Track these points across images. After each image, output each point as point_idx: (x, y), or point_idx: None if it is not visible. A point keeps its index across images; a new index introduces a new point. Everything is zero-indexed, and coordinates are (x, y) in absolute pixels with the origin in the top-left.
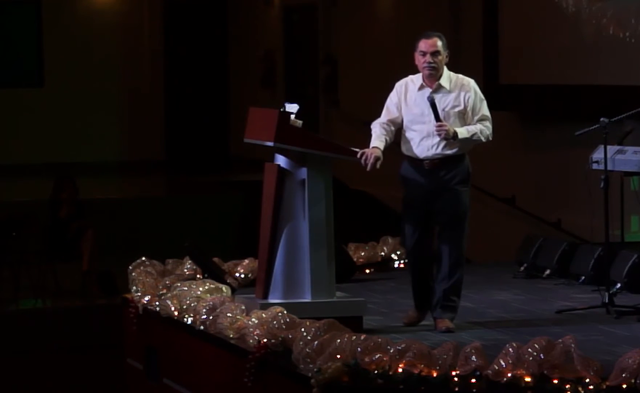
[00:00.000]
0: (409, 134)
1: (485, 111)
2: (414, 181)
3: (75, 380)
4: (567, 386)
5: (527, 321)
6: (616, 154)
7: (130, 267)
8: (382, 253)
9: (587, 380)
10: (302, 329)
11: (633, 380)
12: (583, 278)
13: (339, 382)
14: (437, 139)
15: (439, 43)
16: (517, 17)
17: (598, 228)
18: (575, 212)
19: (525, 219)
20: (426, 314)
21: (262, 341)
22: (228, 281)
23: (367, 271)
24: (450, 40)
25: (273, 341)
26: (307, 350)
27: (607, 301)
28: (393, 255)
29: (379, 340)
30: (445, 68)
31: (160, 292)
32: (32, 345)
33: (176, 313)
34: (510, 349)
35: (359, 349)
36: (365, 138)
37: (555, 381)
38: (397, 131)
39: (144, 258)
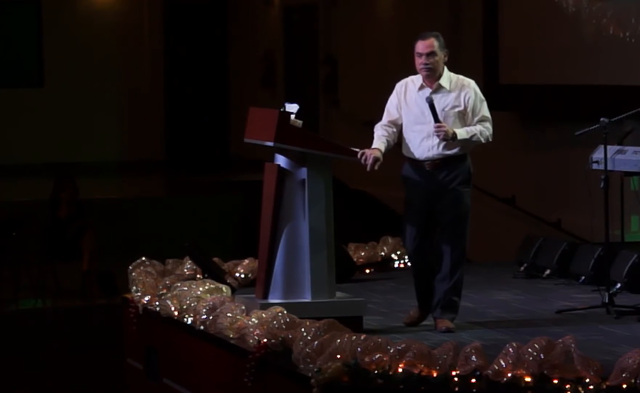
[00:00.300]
0: (409, 135)
1: (485, 112)
2: (415, 182)
3: (75, 380)
4: (567, 386)
5: (527, 321)
6: (616, 154)
7: (130, 267)
8: (382, 253)
9: (587, 380)
10: (302, 329)
11: (633, 380)
12: (583, 278)
13: (339, 382)
14: (437, 139)
15: (436, 43)
16: (517, 17)
17: (598, 228)
18: (575, 212)
19: (525, 219)
20: (428, 314)
21: (262, 341)
22: (228, 281)
23: (367, 271)
24: (450, 40)
25: (273, 341)
26: (307, 350)
27: (607, 301)
28: (393, 255)
29: (379, 340)
30: (445, 68)
31: (160, 292)
32: (32, 345)
33: (176, 313)
34: (510, 349)
35: (359, 349)
36: (365, 138)
37: (555, 381)
38: (399, 133)
39: (144, 258)
